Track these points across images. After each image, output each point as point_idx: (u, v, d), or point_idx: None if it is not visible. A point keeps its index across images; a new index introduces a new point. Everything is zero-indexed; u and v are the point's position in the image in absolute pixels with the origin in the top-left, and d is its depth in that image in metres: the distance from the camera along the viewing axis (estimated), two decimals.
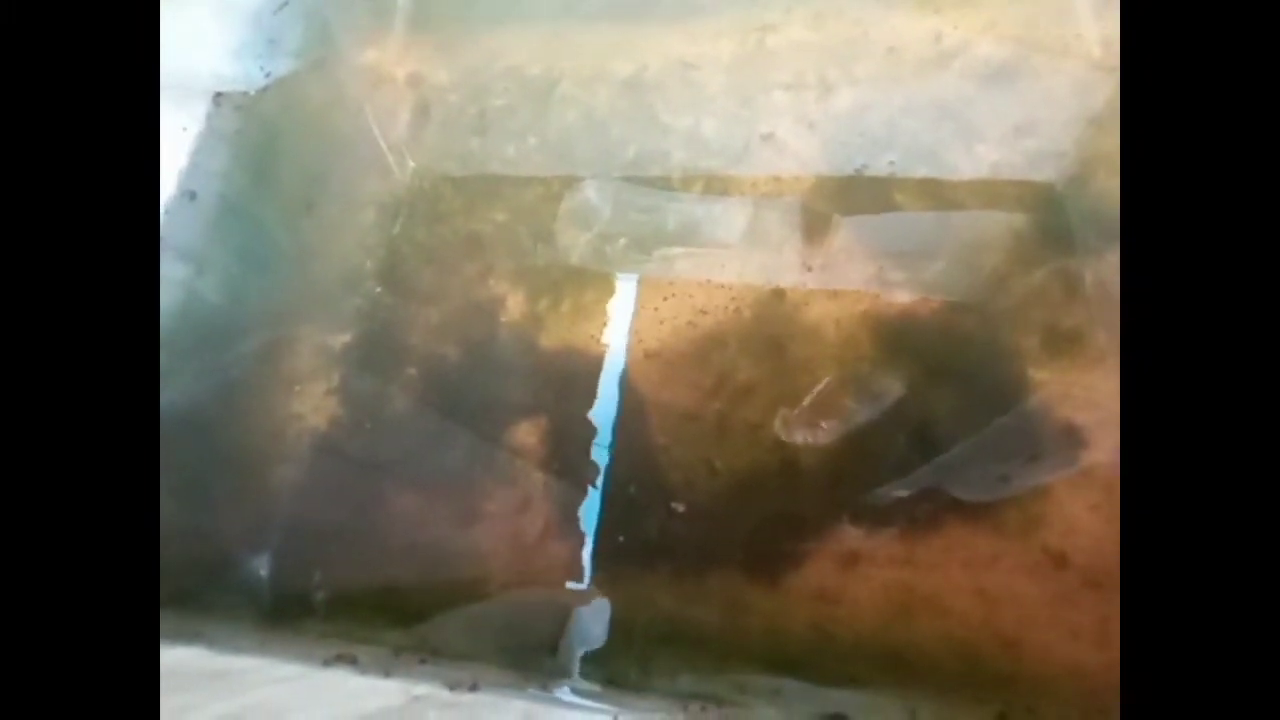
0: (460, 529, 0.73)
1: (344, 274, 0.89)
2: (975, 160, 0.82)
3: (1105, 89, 0.80)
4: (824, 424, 0.72)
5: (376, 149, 0.97)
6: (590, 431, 0.76)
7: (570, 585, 0.69)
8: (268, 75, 0.91)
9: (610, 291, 0.83)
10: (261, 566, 0.72)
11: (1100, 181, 0.78)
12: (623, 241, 0.86)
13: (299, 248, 0.92)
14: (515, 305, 0.84)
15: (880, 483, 0.68)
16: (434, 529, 0.74)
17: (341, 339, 0.85)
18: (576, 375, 0.79)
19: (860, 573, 0.65)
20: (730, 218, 0.84)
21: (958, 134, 0.82)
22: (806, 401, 0.73)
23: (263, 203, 0.93)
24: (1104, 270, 0.73)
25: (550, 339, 0.82)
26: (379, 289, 0.88)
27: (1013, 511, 0.66)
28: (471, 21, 1.00)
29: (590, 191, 0.89)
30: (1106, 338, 0.69)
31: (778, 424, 0.73)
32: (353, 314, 0.87)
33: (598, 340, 0.80)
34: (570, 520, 0.72)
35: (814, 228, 0.82)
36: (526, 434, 0.77)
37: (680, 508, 0.70)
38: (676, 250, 0.84)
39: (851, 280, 0.78)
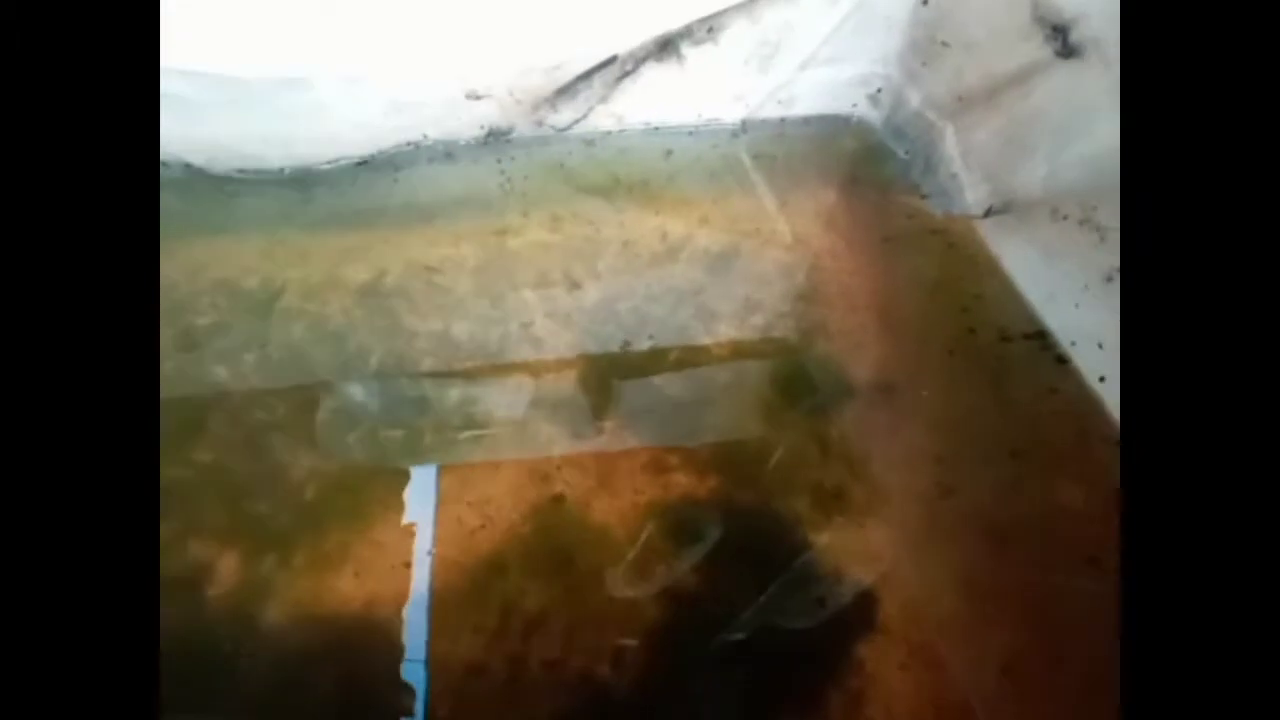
0: None
1: None
2: (716, 336, 0.88)
3: (802, 269, 0.93)
4: (656, 571, 0.67)
5: None
6: None
7: None
8: None
9: (356, 533, 0.69)
10: None
11: (821, 345, 0.88)
12: (399, 433, 0.74)
13: None
14: (226, 570, 0.65)
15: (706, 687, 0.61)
16: None
17: None
18: (318, 654, 0.61)
19: None
20: (511, 396, 0.78)
21: (697, 315, 0.88)
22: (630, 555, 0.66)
23: None
24: (844, 424, 0.80)
25: (279, 606, 0.64)
26: None
27: (832, 693, 0.63)
28: (166, 234, 0.87)
29: (354, 390, 0.77)
30: (864, 492, 0.74)
31: (608, 584, 0.66)
32: None
33: (346, 600, 0.65)
34: None
35: (596, 397, 0.79)
36: None
37: None
38: (464, 434, 0.75)
39: (636, 440, 0.76)
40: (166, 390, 0.78)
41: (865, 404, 0.81)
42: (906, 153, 1.01)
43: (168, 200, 0.84)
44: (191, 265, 0.86)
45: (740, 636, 0.65)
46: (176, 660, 0.60)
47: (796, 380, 0.83)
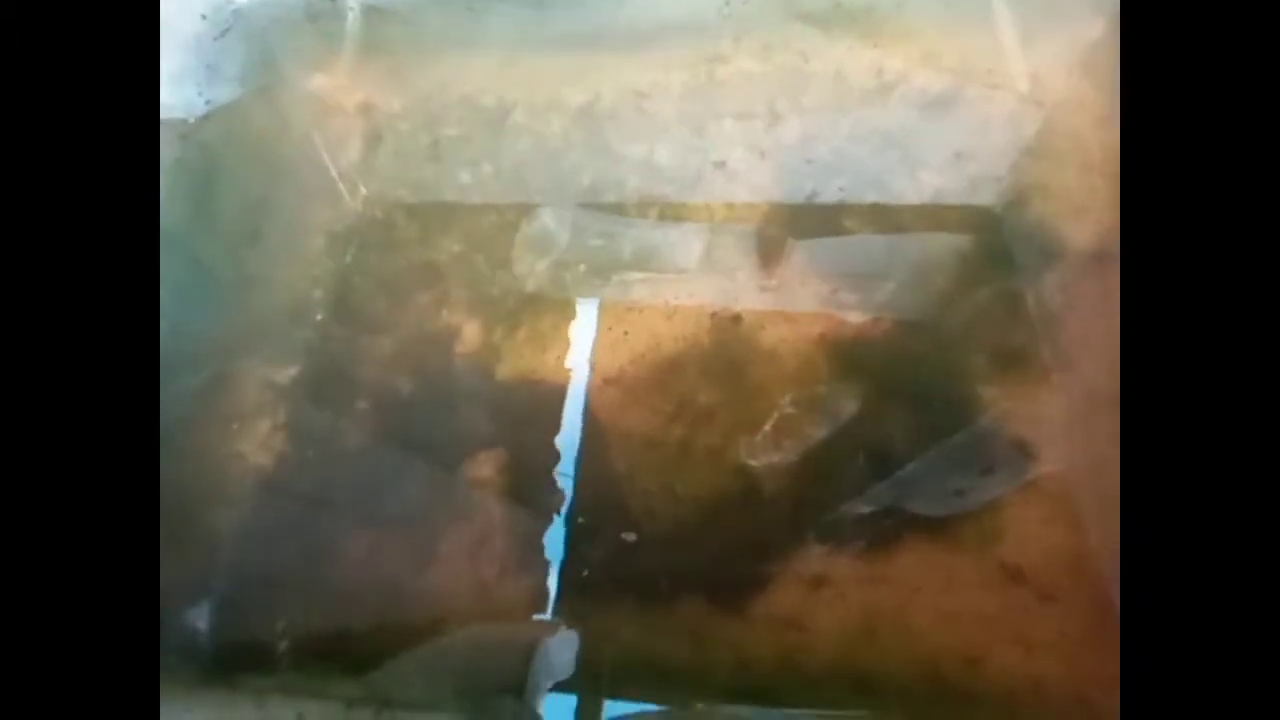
0: (416, 567, 0.70)
1: (291, 305, 0.86)
2: (919, 186, 0.85)
3: (1034, 121, 0.84)
4: (786, 444, 0.72)
5: (326, 176, 0.95)
6: (550, 461, 0.74)
7: (535, 618, 0.67)
8: (208, 102, 0.88)
9: (568, 319, 0.82)
10: (200, 619, 0.68)
11: (1036, 206, 0.81)
12: (581, 267, 0.85)
13: (242, 279, 0.88)
14: (471, 334, 0.83)
15: (842, 501, 0.69)
16: (388, 568, 0.71)
17: (288, 372, 0.82)
18: (535, 404, 0.78)
19: (825, 595, 0.65)
20: (687, 243, 0.85)
21: (902, 161, 0.85)
22: (768, 426, 0.73)
23: (203, 233, 0.90)
24: (1043, 290, 0.76)
25: (507, 368, 0.80)
26: (328, 320, 0.85)
27: (969, 527, 0.67)
28: (422, 49, 0.99)
29: (548, 218, 0.88)
30: (1049, 355, 0.72)
31: (742, 449, 0.73)
32: (300, 346, 0.83)
33: (556, 368, 0.79)
34: (531, 554, 0.70)
35: (769, 252, 0.83)
36: (485, 466, 0.75)
37: (631, 538, 0.69)
38: (635, 275, 0.84)
39: (806, 302, 0.80)
40: (422, 194, 0.94)
41: (1073, 270, 0.76)
42: None
43: (428, 16, 0.95)
44: (440, 80, 0.99)
45: (888, 464, 0.70)
46: (425, 399, 0.80)
47: (999, 239, 0.80)
